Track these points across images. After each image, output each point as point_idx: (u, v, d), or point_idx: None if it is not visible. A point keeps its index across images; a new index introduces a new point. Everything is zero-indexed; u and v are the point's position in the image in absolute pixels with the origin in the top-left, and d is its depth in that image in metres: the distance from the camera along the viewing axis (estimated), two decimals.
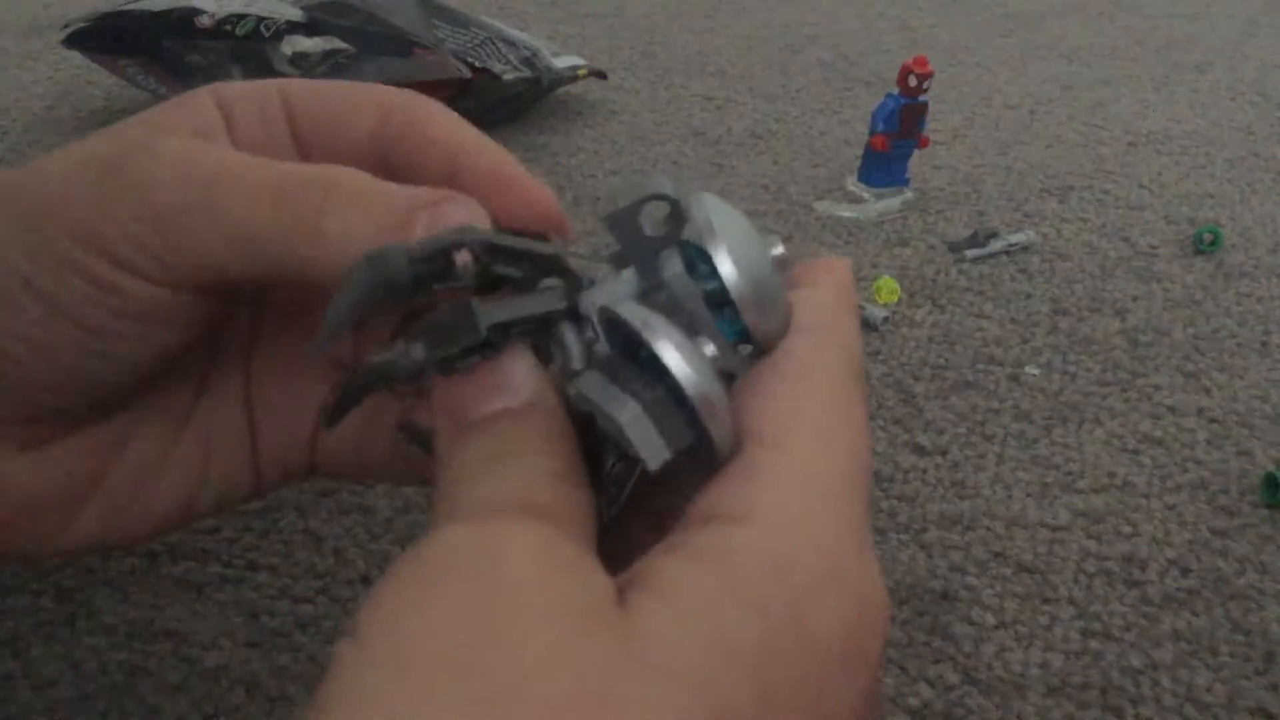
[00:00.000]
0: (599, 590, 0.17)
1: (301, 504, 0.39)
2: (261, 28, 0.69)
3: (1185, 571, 0.38)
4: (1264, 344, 0.53)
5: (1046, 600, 0.37)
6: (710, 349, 0.20)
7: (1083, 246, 0.62)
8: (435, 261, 0.20)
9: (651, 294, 0.21)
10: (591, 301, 0.21)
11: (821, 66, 0.92)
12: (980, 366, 0.50)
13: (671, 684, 0.15)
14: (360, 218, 0.21)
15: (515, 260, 0.21)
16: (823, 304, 0.22)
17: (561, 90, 0.79)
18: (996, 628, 0.36)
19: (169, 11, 0.69)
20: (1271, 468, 0.42)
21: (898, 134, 0.64)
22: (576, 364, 0.21)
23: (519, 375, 0.20)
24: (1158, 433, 0.46)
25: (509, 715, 0.15)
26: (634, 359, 0.20)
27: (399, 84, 0.26)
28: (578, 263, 0.22)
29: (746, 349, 0.21)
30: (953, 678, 0.34)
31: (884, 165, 0.65)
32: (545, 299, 0.21)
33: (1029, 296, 0.56)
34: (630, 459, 0.20)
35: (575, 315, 0.21)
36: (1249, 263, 0.61)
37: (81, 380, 0.23)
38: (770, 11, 1.08)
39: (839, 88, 0.86)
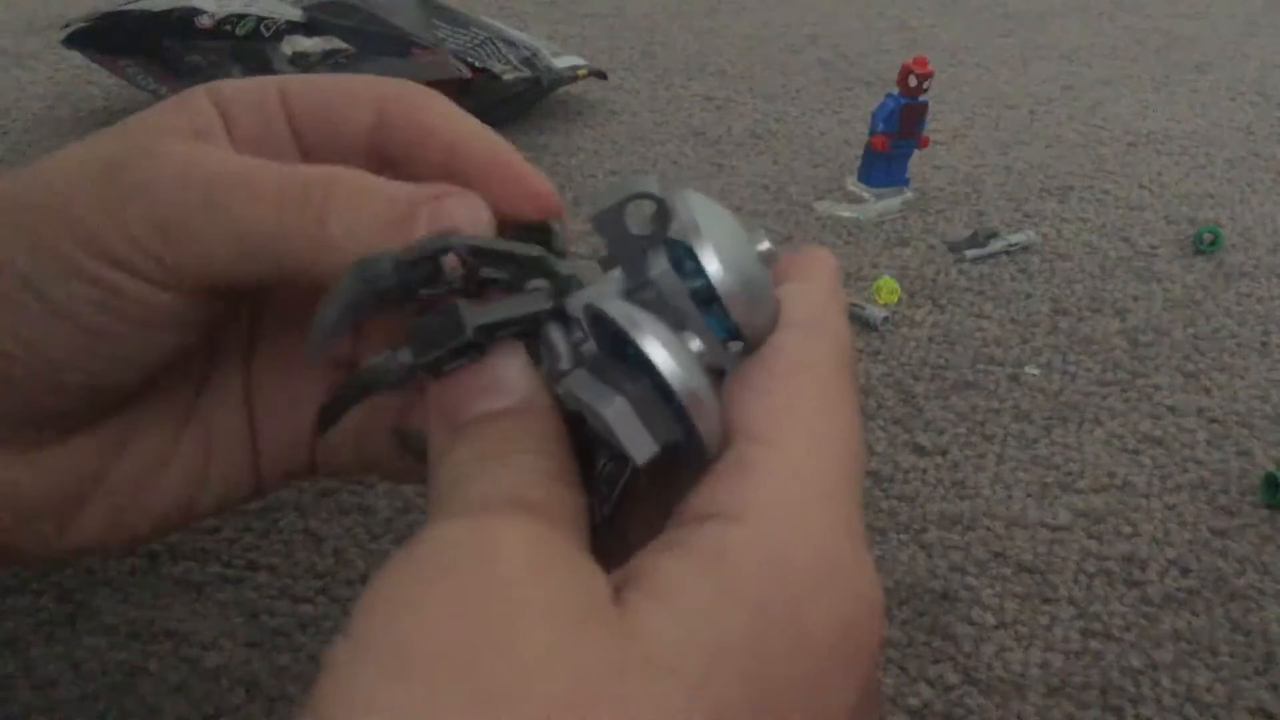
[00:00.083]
0: (595, 588, 0.17)
1: (301, 504, 0.39)
2: (261, 28, 0.69)
3: (1185, 571, 0.38)
4: (1264, 344, 0.53)
5: (1046, 600, 0.37)
6: (697, 345, 0.20)
7: (1083, 246, 0.62)
8: (422, 267, 0.20)
9: (639, 292, 0.20)
10: (579, 301, 0.21)
11: (821, 66, 0.92)
12: (980, 366, 0.50)
13: (669, 683, 0.15)
14: (362, 216, 0.21)
15: (501, 262, 0.21)
16: (810, 298, 0.22)
17: (561, 90, 0.79)
18: (996, 628, 0.36)
19: (169, 11, 0.69)
20: (1271, 468, 0.42)
21: (898, 134, 0.64)
22: (564, 364, 0.21)
23: (512, 375, 0.20)
24: (1158, 433, 0.46)
25: (508, 714, 0.15)
26: (622, 357, 0.20)
27: None
28: (569, 263, 0.22)
29: (735, 345, 0.21)
30: (953, 678, 0.34)
31: (884, 165, 0.65)
32: (532, 300, 0.21)
33: (1029, 296, 0.56)
34: (621, 458, 0.20)
35: (563, 315, 0.21)
36: (1249, 263, 0.61)
37: (82, 381, 0.23)
38: (770, 11, 1.08)
39: (839, 88, 0.86)
